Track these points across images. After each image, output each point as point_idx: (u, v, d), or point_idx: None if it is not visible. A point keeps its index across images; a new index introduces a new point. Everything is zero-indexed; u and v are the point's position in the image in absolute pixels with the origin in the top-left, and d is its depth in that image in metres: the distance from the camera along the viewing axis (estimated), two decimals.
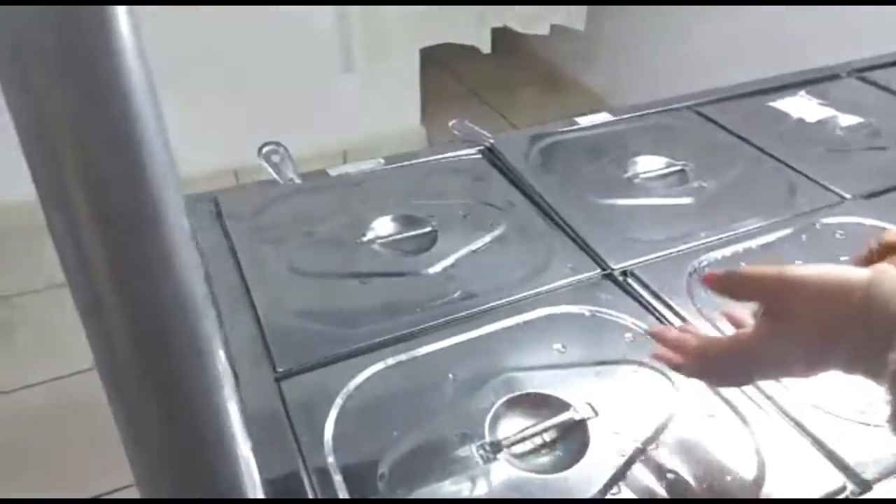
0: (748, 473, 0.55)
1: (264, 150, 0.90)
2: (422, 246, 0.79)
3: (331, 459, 0.55)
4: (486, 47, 2.72)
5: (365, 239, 0.79)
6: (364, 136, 2.62)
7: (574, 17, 2.84)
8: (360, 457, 0.56)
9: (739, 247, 0.81)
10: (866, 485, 0.55)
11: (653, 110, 1.12)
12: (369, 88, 2.66)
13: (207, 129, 2.15)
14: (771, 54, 2.08)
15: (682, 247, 0.80)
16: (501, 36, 2.75)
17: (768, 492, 0.54)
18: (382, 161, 0.94)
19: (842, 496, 0.54)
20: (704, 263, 0.78)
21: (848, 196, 0.91)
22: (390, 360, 0.64)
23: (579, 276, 0.76)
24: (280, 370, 0.63)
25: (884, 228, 0.83)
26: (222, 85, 2.30)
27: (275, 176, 0.86)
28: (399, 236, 0.80)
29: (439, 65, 3.11)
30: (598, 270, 0.77)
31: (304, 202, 0.87)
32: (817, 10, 1.96)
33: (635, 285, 0.75)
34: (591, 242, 0.81)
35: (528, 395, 0.62)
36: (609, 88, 3.04)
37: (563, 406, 0.60)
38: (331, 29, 2.45)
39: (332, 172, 0.90)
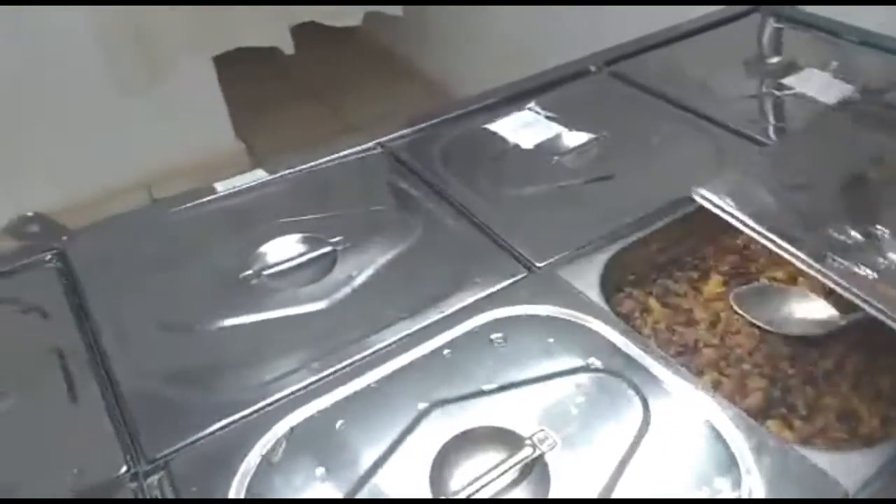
0: None
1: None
2: None
3: None
4: (288, 48, 2.40)
5: None
6: (168, 163, 2.30)
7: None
8: None
9: (349, 387, 0.55)
10: None
11: (336, 155, 0.86)
12: (159, 110, 2.32)
13: None
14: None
15: (258, 406, 0.54)
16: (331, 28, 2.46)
17: None
18: None
19: None
20: (282, 432, 0.52)
21: (539, 265, 0.68)
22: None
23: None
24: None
25: (552, 318, 0.60)
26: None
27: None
28: None
29: (258, 67, 2.77)
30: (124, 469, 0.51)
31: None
32: None
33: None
34: (130, 423, 0.54)
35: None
36: (448, 75, 2.78)
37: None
38: (97, 49, 2.09)
39: None
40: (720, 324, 0.69)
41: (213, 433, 0.53)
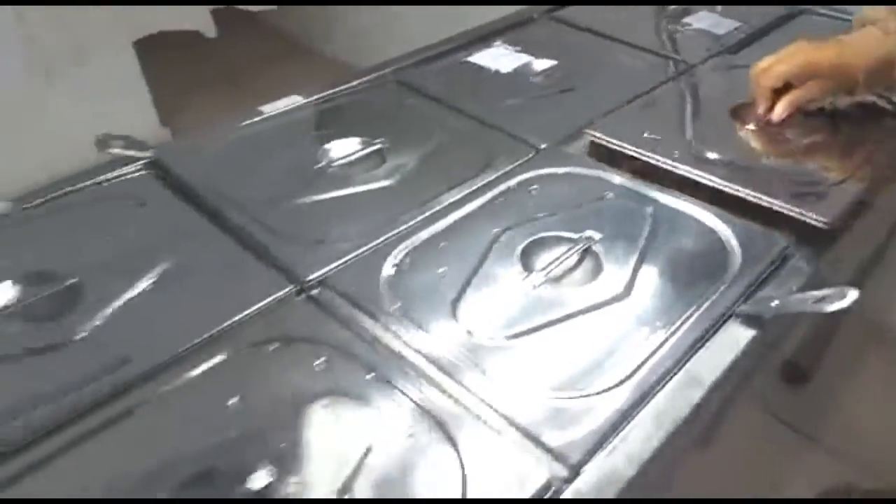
0: (453, 489, 0.50)
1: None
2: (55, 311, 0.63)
3: None
4: (210, 31, 2.47)
5: None
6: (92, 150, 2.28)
7: None
8: None
9: (439, 225, 0.75)
10: (574, 470, 0.52)
11: (349, 84, 1.03)
12: (79, 97, 2.30)
13: None
14: None
15: (381, 239, 0.73)
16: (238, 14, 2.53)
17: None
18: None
19: (550, 491, 0.50)
20: (404, 253, 0.71)
21: (543, 146, 0.89)
22: None
23: (266, 301, 0.65)
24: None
25: (569, 173, 0.83)
26: None
27: None
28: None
29: (176, 52, 2.78)
30: (290, 287, 0.67)
31: None
32: None
33: (332, 296, 0.66)
34: (279, 255, 0.71)
35: None
36: (356, 54, 2.93)
37: None
38: (12, 37, 2.06)
39: None
40: None
41: (354, 258, 0.70)
